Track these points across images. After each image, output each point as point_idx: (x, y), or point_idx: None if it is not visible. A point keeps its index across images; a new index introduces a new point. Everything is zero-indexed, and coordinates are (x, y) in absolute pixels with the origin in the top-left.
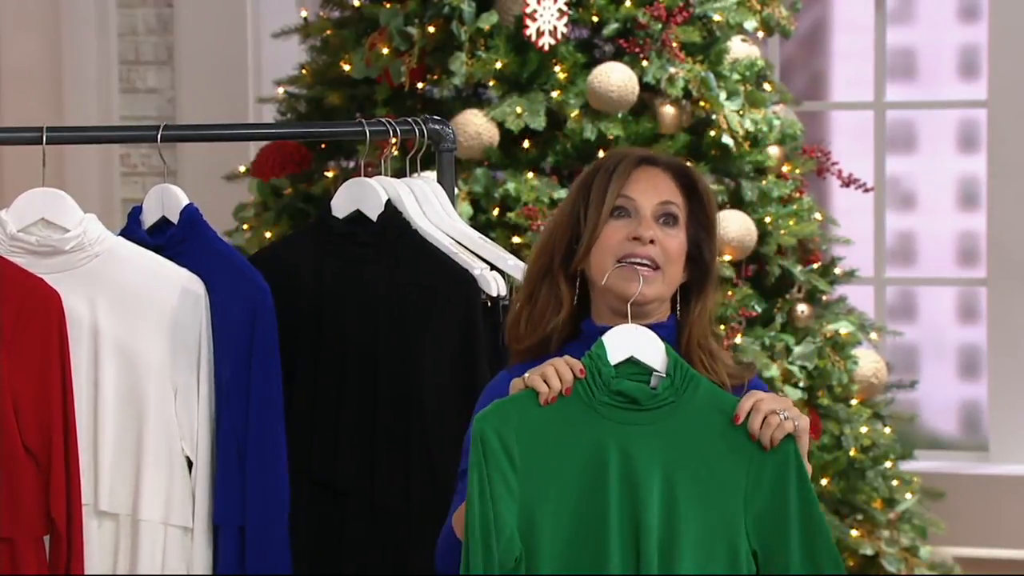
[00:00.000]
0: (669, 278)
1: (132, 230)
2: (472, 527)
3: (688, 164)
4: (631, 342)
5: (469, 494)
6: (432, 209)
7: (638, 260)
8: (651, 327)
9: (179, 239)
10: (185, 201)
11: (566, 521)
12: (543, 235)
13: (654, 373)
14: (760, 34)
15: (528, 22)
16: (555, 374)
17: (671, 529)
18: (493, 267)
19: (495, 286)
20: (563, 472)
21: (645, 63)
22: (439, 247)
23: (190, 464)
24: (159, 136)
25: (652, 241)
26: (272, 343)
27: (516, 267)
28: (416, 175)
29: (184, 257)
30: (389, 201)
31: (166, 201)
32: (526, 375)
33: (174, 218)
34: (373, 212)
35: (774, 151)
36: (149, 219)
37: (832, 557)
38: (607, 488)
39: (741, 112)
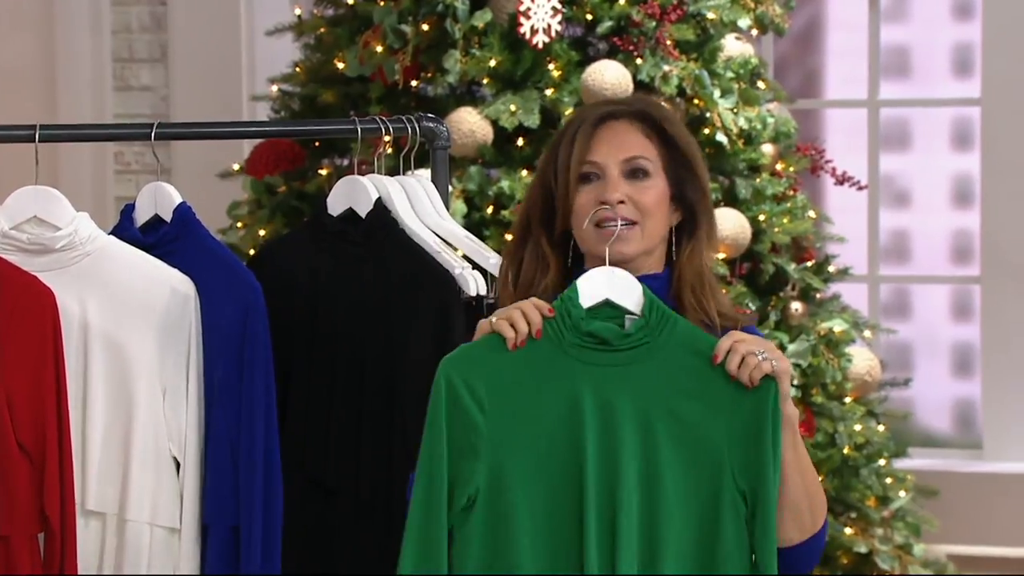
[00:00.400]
0: (649, 231)
1: (124, 228)
2: (424, 473)
3: (654, 102)
4: (606, 285)
5: (425, 438)
6: (422, 207)
7: (611, 223)
8: (644, 280)
9: (172, 237)
10: (178, 199)
11: (540, 469)
12: (525, 196)
13: (627, 315)
14: (754, 32)
15: (522, 20)
16: (522, 317)
17: (651, 473)
18: (476, 266)
19: (474, 286)
20: (535, 417)
21: (639, 61)
22: (423, 246)
23: (178, 465)
24: (153, 134)
25: (623, 201)
26: (264, 342)
27: (498, 266)
28: (410, 173)
29: (176, 256)
30: (379, 199)
31: (159, 199)
32: (492, 318)
33: (167, 216)
34: (363, 210)
35: (768, 149)
36: (142, 217)
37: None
38: (582, 432)
39: (735, 110)
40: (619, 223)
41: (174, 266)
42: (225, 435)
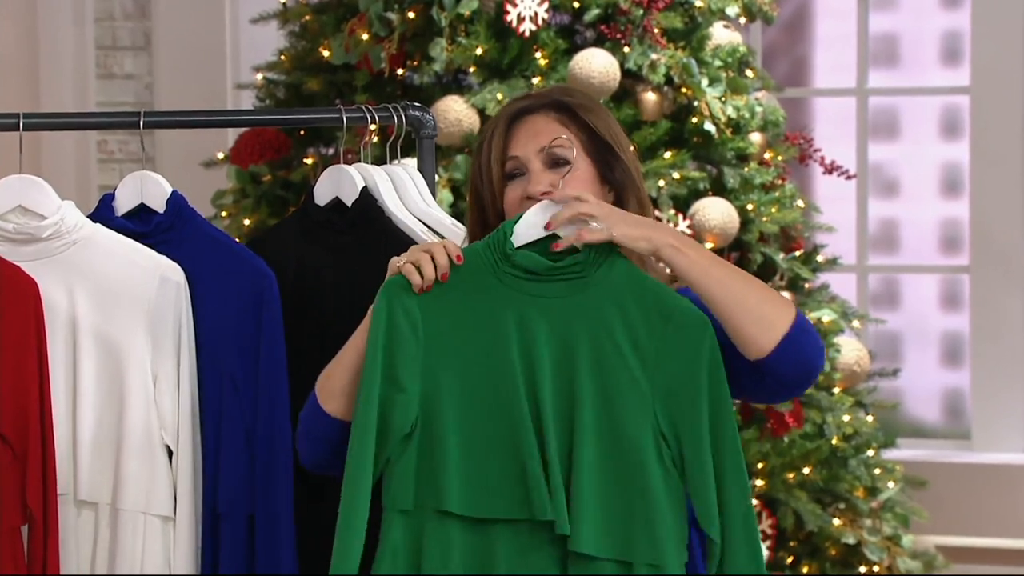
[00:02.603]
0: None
1: (106, 217)
2: (367, 397)
3: (570, 90)
4: (548, 218)
5: (367, 364)
6: (409, 196)
7: None
8: None
9: (166, 227)
10: (169, 188)
11: (470, 396)
12: (466, 208)
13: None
14: (742, 20)
15: (509, 8)
16: (429, 261)
17: (572, 405)
18: None
19: None
20: (467, 345)
21: (627, 49)
22: (410, 235)
23: (170, 453)
24: (141, 123)
25: (547, 192)
26: (279, 329)
27: None
28: (396, 162)
29: (174, 246)
30: (365, 188)
31: (146, 188)
32: (401, 260)
33: (156, 206)
34: (349, 199)
35: (756, 138)
36: (124, 206)
37: (734, 448)
38: (510, 360)
39: (723, 99)
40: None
41: (173, 256)
42: (240, 424)
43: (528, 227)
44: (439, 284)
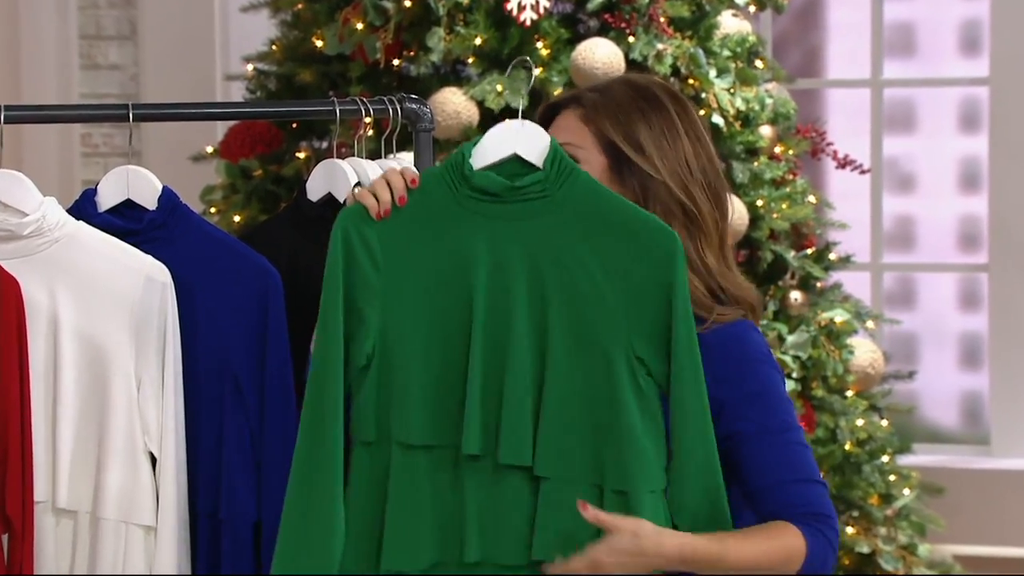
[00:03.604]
0: None
1: (89, 214)
2: (330, 330)
3: (606, 86)
4: (513, 138)
5: (325, 297)
6: None
7: None
8: None
9: (158, 224)
10: (159, 184)
11: (431, 324)
12: None
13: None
14: (752, 8)
15: None
16: (385, 186)
17: (541, 330)
18: None
19: None
20: (427, 272)
21: (631, 39)
22: None
23: (154, 461)
24: (130, 115)
25: None
26: (283, 328)
27: None
28: (392, 156)
29: (168, 244)
30: (359, 183)
31: (134, 184)
32: (357, 188)
33: (145, 202)
34: (343, 194)
35: (766, 131)
36: (107, 202)
37: (694, 365)
38: (473, 286)
39: (732, 90)
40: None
41: (167, 254)
42: (244, 425)
43: (488, 148)
44: (398, 210)
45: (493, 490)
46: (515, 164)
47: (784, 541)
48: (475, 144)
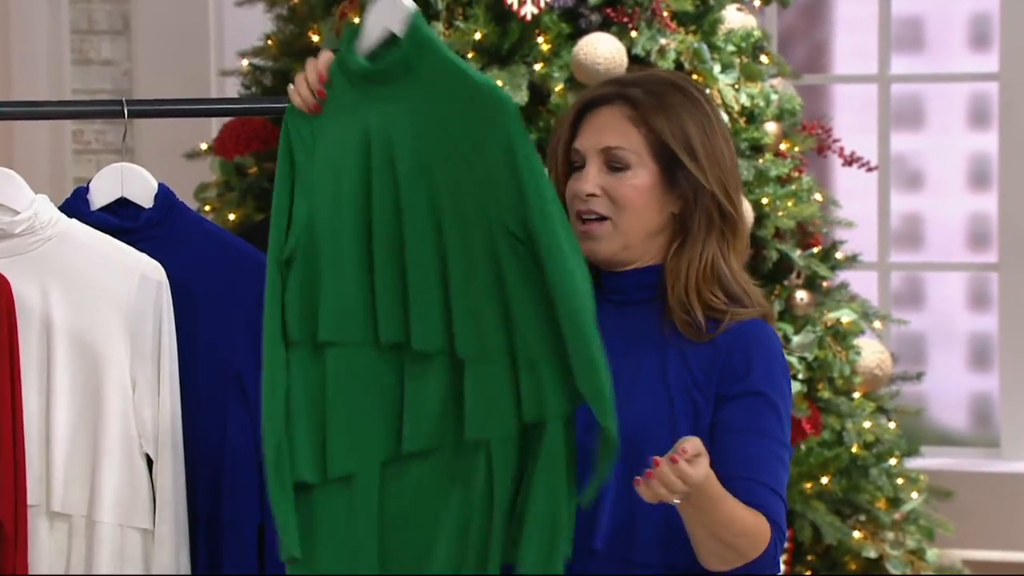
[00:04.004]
0: (624, 227)
1: (82, 212)
2: (272, 221)
3: (656, 80)
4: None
5: (277, 182)
6: None
7: (585, 216)
8: (634, 274)
9: (155, 222)
10: (155, 182)
11: (339, 211)
12: None
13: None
14: (757, 2)
15: None
16: (303, 81)
17: (425, 216)
18: None
19: None
20: (337, 160)
21: (634, 34)
22: None
23: (150, 463)
24: (125, 111)
25: (594, 194)
26: None
27: None
28: None
29: (168, 242)
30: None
31: (128, 182)
32: (290, 86)
33: (140, 200)
34: None
35: (772, 128)
36: (100, 200)
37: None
38: (365, 179)
39: (736, 86)
40: (591, 217)
41: (165, 253)
42: (248, 425)
43: (369, 31)
44: (325, 103)
45: (421, 381)
46: (389, 45)
47: (761, 521)
48: (349, 35)
